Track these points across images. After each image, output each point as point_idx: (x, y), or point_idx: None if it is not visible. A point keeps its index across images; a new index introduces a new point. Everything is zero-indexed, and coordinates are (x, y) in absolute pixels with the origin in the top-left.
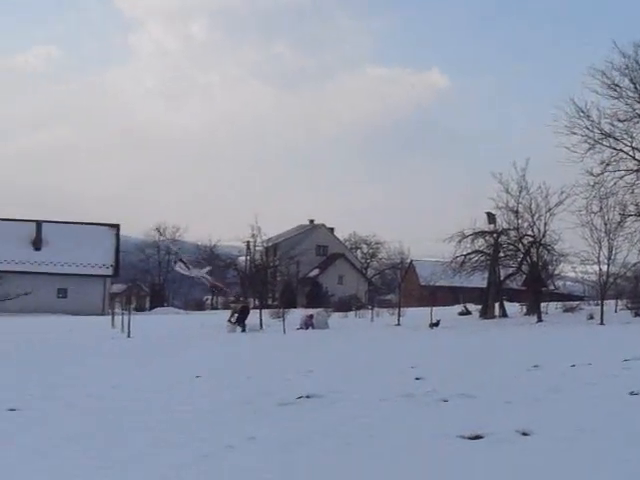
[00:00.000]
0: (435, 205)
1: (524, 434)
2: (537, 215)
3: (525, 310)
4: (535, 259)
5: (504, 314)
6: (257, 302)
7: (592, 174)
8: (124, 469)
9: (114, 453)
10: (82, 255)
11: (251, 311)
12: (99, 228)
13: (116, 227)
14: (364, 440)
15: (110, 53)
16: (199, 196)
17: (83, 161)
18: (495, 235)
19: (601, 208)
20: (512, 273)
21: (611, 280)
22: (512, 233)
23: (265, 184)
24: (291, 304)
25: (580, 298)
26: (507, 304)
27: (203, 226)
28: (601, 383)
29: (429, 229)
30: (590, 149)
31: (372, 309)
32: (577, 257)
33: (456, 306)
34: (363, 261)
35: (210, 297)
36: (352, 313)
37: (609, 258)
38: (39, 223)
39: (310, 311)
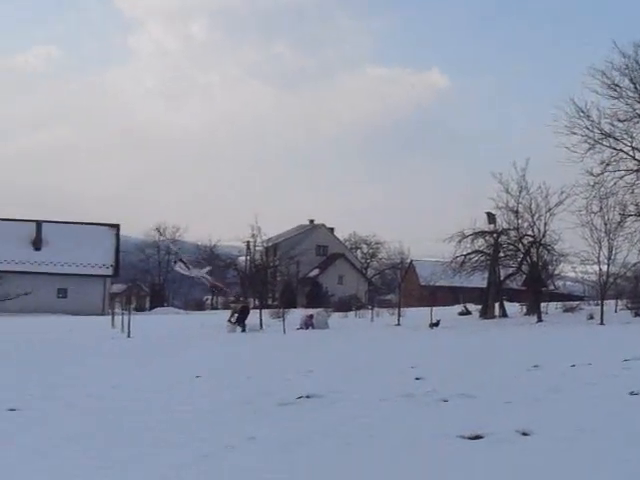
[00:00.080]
0: (435, 205)
1: (524, 434)
2: (537, 215)
3: (525, 310)
4: (535, 259)
5: (504, 314)
6: (257, 302)
7: (592, 174)
8: (124, 469)
9: (114, 453)
10: (82, 255)
11: (251, 311)
12: (99, 228)
13: (116, 227)
14: (364, 440)
15: (110, 53)
16: (199, 196)
17: (83, 161)
18: (495, 235)
19: (601, 208)
20: (512, 273)
21: (611, 280)
22: (512, 233)
23: (265, 184)
24: (291, 304)
25: (580, 298)
26: (507, 304)
27: (203, 226)
28: (601, 383)
29: (429, 229)
30: (590, 149)
31: (372, 309)
32: (577, 257)
33: (456, 306)
34: (363, 261)
35: (210, 297)
36: (352, 313)
37: (609, 258)
38: (39, 223)
39: (310, 311)
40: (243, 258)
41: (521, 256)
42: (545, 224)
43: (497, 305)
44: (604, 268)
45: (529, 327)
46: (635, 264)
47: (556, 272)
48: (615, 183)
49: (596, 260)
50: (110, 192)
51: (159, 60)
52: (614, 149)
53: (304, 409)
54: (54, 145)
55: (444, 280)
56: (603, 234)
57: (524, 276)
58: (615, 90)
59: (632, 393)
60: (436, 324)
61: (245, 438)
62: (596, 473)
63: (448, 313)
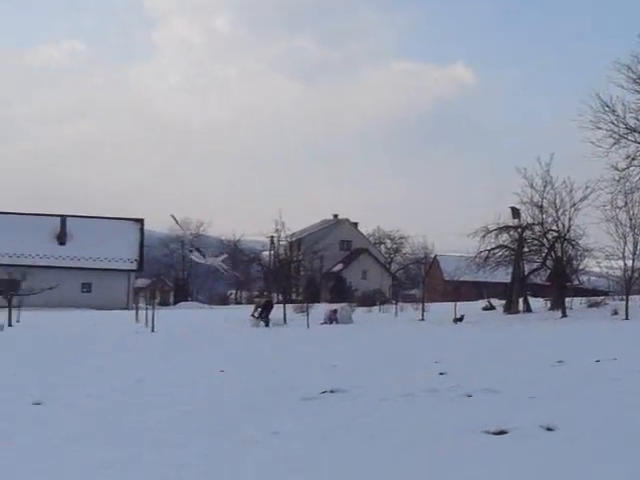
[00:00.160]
0: (459, 200)
1: (549, 429)
2: (562, 210)
3: (549, 305)
4: (559, 254)
5: (528, 309)
6: (281, 297)
7: (617, 169)
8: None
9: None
10: (106, 250)
11: (275, 306)
12: (123, 223)
13: (140, 222)
14: (388, 435)
15: (134, 49)
16: (223, 191)
17: (107, 156)
18: (519, 230)
19: (626, 203)
20: (536, 268)
21: (636, 275)
22: (536, 228)
23: (289, 179)
24: (315, 299)
25: (605, 293)
26: (531, 299)
27: (227, 221)
28: (626, 378)
29: (453, 224)
30: (615, 144)
31: (396, 304)
32: (602, 252)
33: (480, 301)
34: (387, 256)
35: (234, 291)
36: (376, 308)
37: (634, 253)
38: (64, 218)
39: (334, 306)
40: (267, 253)
41: (545, 251)
42: (570, 219)
43: (521, 300)
44: (629, 263)
45: (553, 322)
46: None
47: (580, 267)
48: None
49: (621, 255)
50: (134, 187)
51: (183, 55)
52: (639, 144)
53: (328, 404)
54: (78, 140)
55: (468, 275)
56: (628, 229)
57: (548, 271)
58: None
59: None
60: (460, 319)
61: (269, 433)
62: (621, 468)
63: (472, 308)
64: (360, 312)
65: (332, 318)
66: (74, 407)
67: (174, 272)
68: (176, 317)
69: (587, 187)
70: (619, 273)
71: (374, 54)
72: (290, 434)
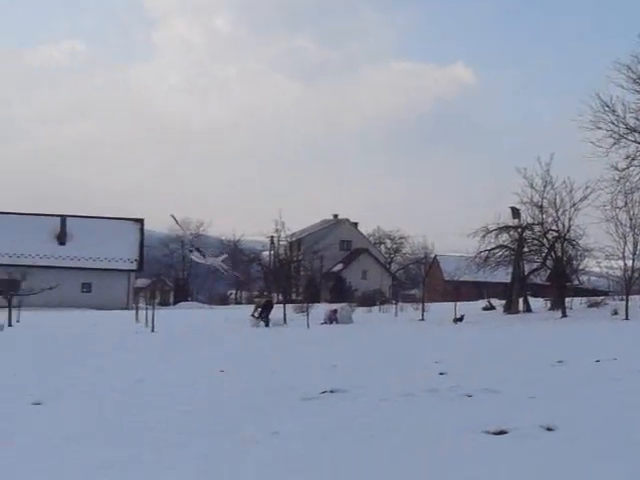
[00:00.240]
0: (459, 199)
1: (549, 429)
2: (561, 210)
3: (549, 305)
4: (559, 254)
5: (528, 309)
6: (281, 297)
7: (617, 169)
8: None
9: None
10: (106, 250)
11: (275, 306)
12: (123, 223)
13: (140, 222)
14: (388, 434)
15: (134, 49)
16: (223, 191)
17: (107, 156)
18: (519, 230)
19: (626, 203)
20: (536, 268)
21: (636, 275)
22: (536, 228)
23: (289, 179)
24: (315, 299)
25: (605, 293)
26: (531, 299)
27: (227, 221)
28: (626, 378)
29: (453, 224)
30: (615, 144)
31: (396, 304)
32: (602, 252)
33: (480, 301)
34: (387, 256)
35: (234, 292)
36: (376, 308)
37: (634, 253)
38: (64, 218)
39: (334, 306)
40: (267, 253)
41: (545, 251)
42: (570, 219)
43: (521, 300)
44: (629, 263)
45: (553, 322)
46: None
47: (580, 267)
48: None
49: (621, 255)
50: (134, 187)
51: (183, 55)
52: (639, 144)
53: (328, 404)
54: (78, 140)
55: (468, 275)
56: (628, 229)
57: (548, 271)
58: None
59: None
60: (460, 319)
61: (269, 433)
62: (621, 468)
63: (472, 308)
64: (360, 312)
65: (332, 318)
66: (74, 407)
67: (174, 272)
68: (176, 317)
69: (587, 187)
70: (619, 273)
71: (374, 54)
72: (290, 434)
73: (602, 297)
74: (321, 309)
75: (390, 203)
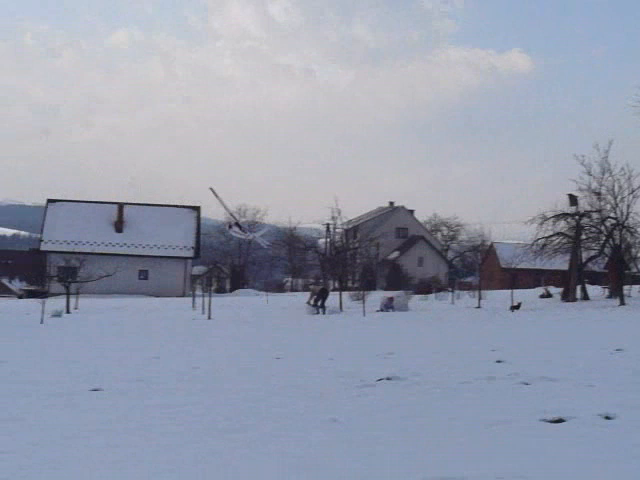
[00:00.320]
0: (516, 186)
1: (607, 418)
2: (620, 197)
3: (607, 293)
4: (618, 242)
5: (586, 297)
6: (337, 284)
7: None
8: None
9: (196, 434)
10: (163, 237)
11: (330, 293)
12: (180, 210)
13: (197, 209)
14: (445, 422)
15: (192, 36)
16: (280, 179)
17: (166, 144)
18: (577, 217)
19: None
20: (594, 256)
21: None
22: (594, 215)
23: (344, 166)
24: (371, 286)
25: None
26: (589, 287)
27: (283, 209)
28: None
29: (510, 211)
30: None
31: (452, 291)
32: None
33: (537, 289)
34: (443, 243)
35: (290, 279)
36: (432, 296)
37: None
38: (121, 205)
39: (390, 293)
40: (323, 240)
41: (603, 239)
42: (628, 206)
43: (579, 288)
44: None
45: (611, 310)
46: None
47: (639, 255)
48: None
49: None
50: (192, 174)
51: (240, 43)
52: None
53: (385, 391)
54: (138, 129)
55: (525, 262)
56: None
57: (606, 259)
58: None
59: None
60: (517, 307)
61: (327, 420)
62: None
63: (529, 296)
64: (416, 300)
65: (388, 306)
66: (130, 394)
67: (230, 259)
68: (233, 304)
69: None
70: None
71: (433, 41)
72: (348, 421)
73: None
74: (377, 297)
75: (447, 190)
